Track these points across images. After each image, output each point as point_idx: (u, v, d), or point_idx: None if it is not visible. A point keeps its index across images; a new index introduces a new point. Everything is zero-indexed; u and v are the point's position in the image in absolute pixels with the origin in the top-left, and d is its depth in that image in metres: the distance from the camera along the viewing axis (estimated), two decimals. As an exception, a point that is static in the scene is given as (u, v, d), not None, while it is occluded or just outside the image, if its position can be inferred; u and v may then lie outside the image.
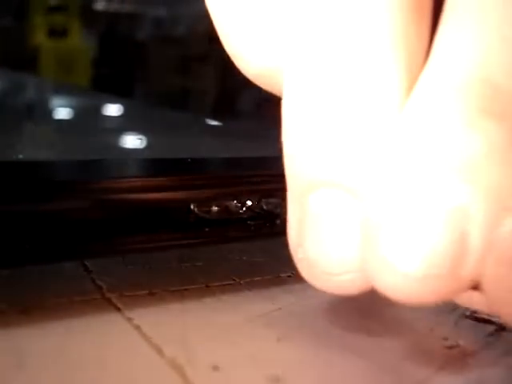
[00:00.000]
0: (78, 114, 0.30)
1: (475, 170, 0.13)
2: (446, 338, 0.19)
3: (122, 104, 0.32)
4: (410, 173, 0.14)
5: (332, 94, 0.14)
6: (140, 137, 0.30)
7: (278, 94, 0.17)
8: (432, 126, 0.14)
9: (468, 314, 0.21)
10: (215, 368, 0.17)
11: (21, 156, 0.25)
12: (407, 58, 0.14)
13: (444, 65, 0.14)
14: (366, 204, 0.14)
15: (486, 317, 0.20)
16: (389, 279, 0.14)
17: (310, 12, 0.15)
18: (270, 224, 0.25)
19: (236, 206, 0.25)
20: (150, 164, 0.28)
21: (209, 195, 0.25)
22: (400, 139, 0.14)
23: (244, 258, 0.25)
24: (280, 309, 0.21)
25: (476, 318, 0.21)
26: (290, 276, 0.23)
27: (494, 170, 0.13)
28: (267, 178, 0.25)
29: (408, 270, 0.13)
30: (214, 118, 0.32)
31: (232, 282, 0.22)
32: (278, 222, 0.24)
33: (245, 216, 0.25)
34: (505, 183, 0.13)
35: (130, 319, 0.19)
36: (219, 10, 0.17)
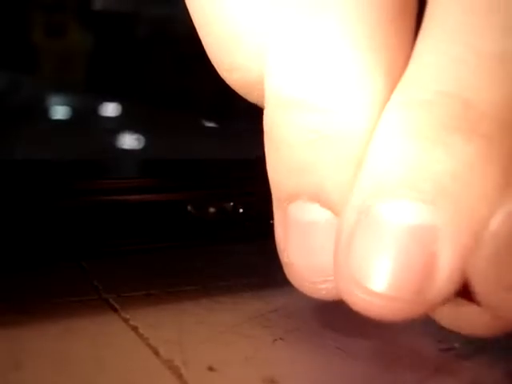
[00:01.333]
0: (74, 114, 0.30)
1: (440, 189, 0.13)
2: (440, 341, 0.19)
3: (119, 104, 0.32)
4: (375, 190, 0.13)
5: (308, 104, 0.14)
6: (137, 137, 0.30)
7: (258, 104, 0.17)
8: (397, 142, 0.13)
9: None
10: (211, 369, 0.17)
11: (20, 155, 0.25)
12: (387, 62, 0.14)
13: (416, 76, 0.14)
14: (339, 219, 0.14)
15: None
16: (356, 296, 0.14)
17: (290, 14, 0.14)
18: (266, 225, 0.25)
19: (232, 207, 0.25)
20: (147, 165, 0.28)
21: (205, 196, 0.25)
22: (370, 154, 0.14)
23: (240, 259, 0.25)
24: (276, 310, 0.21)
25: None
26: (285, 277, 0.23)
27: (460, 189, 0.13)
28: (264, 179, 0.25)
29: (375, 289, 0.13)
30: (212, 119, 0.32)
31: (228, 283, 0.23)
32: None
33: (241, 217, 0.25)
34: (473, 202, 0.13)
35: (126, 320, 0.19)
36: (201, 24, 0.17)
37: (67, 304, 0.19)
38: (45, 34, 0.31)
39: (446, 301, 0.14)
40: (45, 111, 0.29)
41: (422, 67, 0.14)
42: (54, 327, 0.18)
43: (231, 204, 0.25)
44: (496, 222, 0.13)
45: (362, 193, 0.14)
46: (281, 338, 0.19)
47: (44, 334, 0.18)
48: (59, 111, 0.30)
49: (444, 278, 0.13)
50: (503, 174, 0.13)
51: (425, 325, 0.20)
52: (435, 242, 0.13)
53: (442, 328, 0.17)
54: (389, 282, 0.13)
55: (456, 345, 0.19)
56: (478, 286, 0.14)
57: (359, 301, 0.14)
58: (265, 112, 0.15)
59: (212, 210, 0.24)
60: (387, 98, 0.14)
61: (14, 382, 0.15)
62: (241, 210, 0.25)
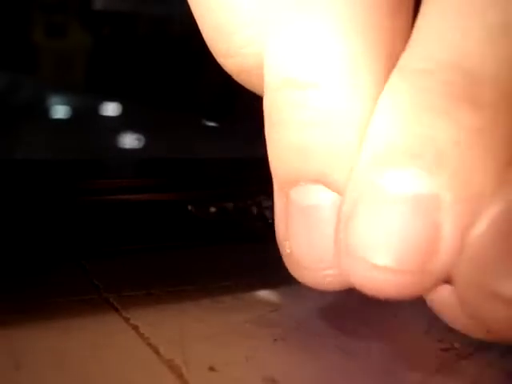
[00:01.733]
0: (74, 113, 0.30)
1: (444, 159, 0.13)
2: (441, 340, 0.19)
3: (120, 103, 0.32)
4: (377, 161, 0.13)
5: (307, 82, 0.14)
6: (138, 137, 0.30)
7: (254, 91, 0.17)
8: (401, 113, 0.13)
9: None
10: (212, 368, 0.17)
11: (21, 155, 0.25)
12: (387, 41, 0.14)
13: (420, 49, 0.14)
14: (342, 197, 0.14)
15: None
16: (360, 272, 0.13)
17: (286, 5, 0.15)
18: (267, 225, 0.25)
19: (233, 207, 0.25)
20: (148, 165, 0.28)
21: (206, 196, 0.25)
22: (371, 128, 0.14)
23: (241, 258, 0.25)
24: (276, 310, 0.21)
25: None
26: (286, 277, 0.23)
27: (465, 160, 0.13)
28: (265, 179, 0.25)
29: (379, 263, 0.13)
30: (212, 119, 0.32)
31: (229, 282, 0.23)
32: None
33: (242, 217, 0.25)
34: (477, 173, 0.13)
35: (127, 319, 0.19)
36: (199, 11, 0.17)
37: (67, 303, 0.19)
38: (45, 34, 0.31)
39: (448, 272, 0.13)
40: (45, 111, 0.29)
41: (424, 38, 0.14)
42: (54, 326, 0.18)
43: (232, 204, 0.25)
44: (484, 222, 0.13)
45: (363, 165, 0.13)
46: (281, 338, 0.19)
47: (44, 333, 0.18)
48: (59, 111, 0.30)
49: (447, 248, 0.13)
50: (506, 148, 0.13)
51: (425, 324, 0.20)
52: (437, 212, 0.13)
53: (442, 327, 0.17)
54: (393, 255, 0.13)
55: (456, 344, 0.19)
56: (460, 291, 0.13)
57: (363, 277, 0.13)
58: (264, 97, 0.15)
59: (213, 209, 0.24)
60: (387, 76, 0.14)
61: (14, 381, 0.15)
62: (242, 211, 0.25)
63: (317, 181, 0.15)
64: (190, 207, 0.23)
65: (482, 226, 0.13)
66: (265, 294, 0.22)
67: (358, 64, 0.14)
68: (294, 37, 0.14)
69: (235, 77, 0.17)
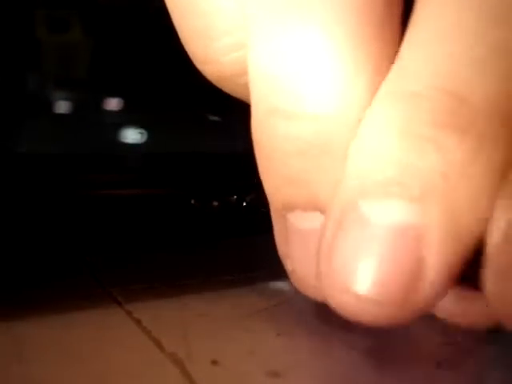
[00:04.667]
0: (77, 108, 0.30)
1: (428, 188, 0.12)
2: (443, 335, 0.19)
3: (122, 98, 0.32)
4: (362, 188, 0.13)
5: (296, 113, 0.14)
6: (140, 131, 0.30)
7: (241, 98, 0.17)
8: (383, 138, 0.13)
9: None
10: (214, 362, 0.17)
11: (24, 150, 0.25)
12: (374, 63, 0.14)
13: (406, 69, 0.13)
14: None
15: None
16: (339, 299, 0.13)
17: (270, 15, 0.14)
18: (269, 219, 0.25)
19: (236, 201, 0.25)
20: (150, 159, 0.28)
21: (209, 190, 0.25)
22: (354, 152, 0.13)
23: (243, 252, 0.25)
24: (279, 304, 0.21)
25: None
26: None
27: (452, 190, 0.12)
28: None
29: (359, 292, 0.13)
30: (215, 113, 0.32)
31: (231, 276, 0.23)
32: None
33: (244, 211, 0.25)
34: (464, 204, 0.12)
35: (130, 313, 0.19)
36: (175, 16, 0.16)
37: (70, 297, 0.19)
38: (48, 30, 0.31)
39: (432, 306, 0.13)
40: (48, 105, 0.29)
41: (412, 62, 0.13)
42: (57, 320, 0.18)
43: (235, 198, 0.25)
44: (493, 239, 0.12)
45: (346, 191, 0.13)
46: (285, 332, 0.19)
47: (47, 327, 0.18)
48: (62, 106, 0.30)
49: (431, 282, 0.12)
50: (495, 177, 0.12)
51: (428, 318, 0.20)
52: (422, 244, 0.12)
53: (445, 322, 0.17)
54: (373, 284, 0.12)
55: (459, 338, 0.19)
56: (494, 306, 0.13)
57: (343, 304, 0.13)
58: (252, 120, 0.15)
59: (215, 203, 0.24)
60: (373, 96, 0.14)
61: (17, 375, 0.15)
62: (244, 204, 0.25)
63: (311, 207, 0.14)
64: (192, 201, 0.23)
65: (496, 235, 0.12)
66: (267, 288, 0.22)
67: (348, 91, 0.13)
68: (278, 56, 0.14)
69: (215, 83, 0.17)
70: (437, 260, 0.12)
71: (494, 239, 0.12)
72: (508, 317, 0.13)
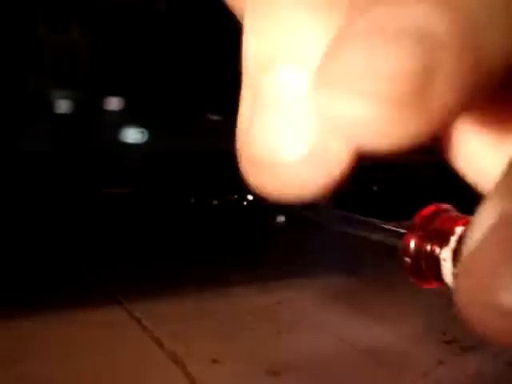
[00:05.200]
0: (77, 108, 0.30)
1: None
2: (444, 333, 0.19)
3: (123, 97, 0.32)
4: None
5: None
6: (141, 130, 0.30)
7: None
8: None
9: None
10: (215, 361, 0.17)
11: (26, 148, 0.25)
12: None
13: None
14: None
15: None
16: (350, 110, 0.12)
17: None
18: (270, 218, 0.25)
19: (236, 200, 0.25)
20: (151, 158, 0.28)
21: (209, 189, 0.25)
22: None
23: (244, 251, 0.25)
24: (279, 303, 0.21)
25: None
26: (290, 270, 0.23)
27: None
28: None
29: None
30: (215, 113, 0.32)
31: (232, 276, 0.23)
32: (278, 216, 0.24)
33: (245, 210, 0.25)
34: (482, 13, 0.11)
35: (130, 312, 0.19)
36: None
37: (71, 296, 0.20)
38: (48, 29, 0.31)
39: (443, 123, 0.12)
40: (48, 105, 0.29)
41: None
42: (58, 319, 0.18)
43: (235, 197, 0.25)
44: None
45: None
46: (284, 330, 0.19)
47: (48, 326, 0.18)
48: (63, 105, 0.30)
49: (445, 77, 0.12)
50: None
51: (429, 317, 0.20)
52: (440, 49, 0.12)
53: (446, 320, 0.17)
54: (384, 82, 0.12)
55: (459, 337, 0.19)
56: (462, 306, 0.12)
57: (358, 116, 0.12)
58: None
59: (215, 202, 0.24)
60: None
61: (19, 372, 0.15)
62: (245, 203, 0.25)
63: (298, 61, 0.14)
64: (192, 200, 0.23)
65: (475, 237, 0.12)
66: (268, 286, 0.22)
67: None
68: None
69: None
70: (452, 59, 0.12)
71: (474, 238, 0.12)
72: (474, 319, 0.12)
